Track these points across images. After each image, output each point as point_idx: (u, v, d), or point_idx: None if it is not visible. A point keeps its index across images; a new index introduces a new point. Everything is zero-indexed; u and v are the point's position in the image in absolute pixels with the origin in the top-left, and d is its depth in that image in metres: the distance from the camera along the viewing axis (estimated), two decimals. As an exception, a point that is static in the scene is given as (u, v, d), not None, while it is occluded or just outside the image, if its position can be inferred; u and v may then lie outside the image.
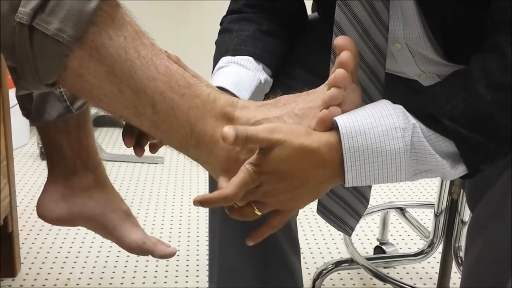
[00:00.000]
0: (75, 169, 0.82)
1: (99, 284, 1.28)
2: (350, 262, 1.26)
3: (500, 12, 0.60)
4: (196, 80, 0.59)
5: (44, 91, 0.71)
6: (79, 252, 1.40)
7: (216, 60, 0.79)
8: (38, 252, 1.39)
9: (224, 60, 0.77)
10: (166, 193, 1.76)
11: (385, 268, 1.36)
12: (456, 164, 0.59)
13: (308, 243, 1.47)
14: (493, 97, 0.57)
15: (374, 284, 1.31)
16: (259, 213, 0.59)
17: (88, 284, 1.27)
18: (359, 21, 0.65)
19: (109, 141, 2.18)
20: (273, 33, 0.80)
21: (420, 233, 1.32)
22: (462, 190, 1.08)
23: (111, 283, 1.28)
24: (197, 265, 1.37)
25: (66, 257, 1.38)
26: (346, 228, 0.78)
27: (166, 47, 0.62)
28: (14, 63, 0.54)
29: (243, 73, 0.74)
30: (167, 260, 1.35)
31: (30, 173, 1.85)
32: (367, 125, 0.57)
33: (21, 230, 1.45)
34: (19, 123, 1.70)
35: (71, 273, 1.31)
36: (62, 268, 1.33)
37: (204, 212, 1.62)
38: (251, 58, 0.76)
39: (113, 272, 1.32)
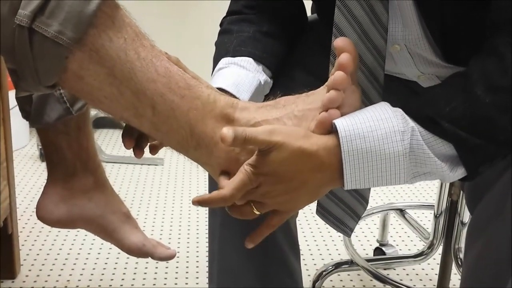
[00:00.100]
0: (74, 171, 0.82)
1: (99, 285, 1.28)
2: (350, 263, 1.26)
3: (499, 12, 0.60)
4: (196, 81, 0.59)
5: (44, 93, 0.71)
6: (78, 253, 1.40)
7: (216, 61, 0.79)
8: (37, 254, 1.39)
9: (224, 61, 0.77)
10: (166, 194, 1.75)
11: (385, 269, 1.36)
12: (455, 167, 0.59)
13: (308, 245, 1.47)
14: (492, 100, 0.57)
15: (374, 286, 1.31)
16: (257, 213, 0.59)
17: (88, 286, 1.27)
18: (358, 22, 0.65)
19: (108, 143, 2.18)
20: (273, 34, 0.80)
21: (420, 235, 1.32)
22: (461, 192, 1.08)
23: (110, 285, 1.28)
24: (197, 266, 1.37)
25: (66, 259, 1.37)
26: (345, 229, 0.78)
27: (165, 48, 0.62)
28: (14, 65, 0.54)
29: (243, 74, 0.74)
30: (167, 262, 1.35)
31: (30, 175, 1.85)
32: (366, 129, 0.57)
33: (21, 231, 1.45)
34: (18, 124, 1.70)
35: (70, 274, 1.31)
36: (61, 270, 1.33)
37: (204, 213, 1.62)
38: (251, 59, 0.76)
39: (113, 274, 1.32)
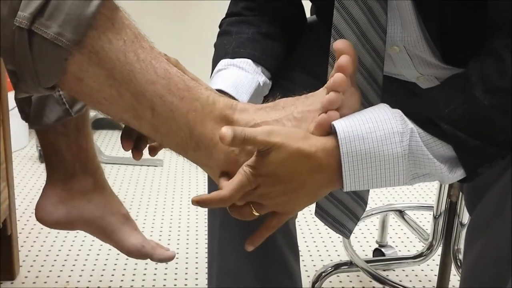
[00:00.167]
0: (74, 172, 0.82)
1: (98, 286, 1.28)
2: (349, 264, 1.26)
3: (497, 12, 0.60)
4: (195, 83, 0.59)
5: (43, 94, 0.71)
6: (78, 254, 1.40)
7: (215, 62, 0.79)
8: (37, 255, 1.39)
9: (223, 62, 0.77)
10: (165, 196, 1.75)
11: (384, 270, 1.36)
12: (454, 168, 0.60)
13: (307, 246, 1.47)
14: (491, 101, 0.57)
15: (373, 287, 1.31)
16: (257, 214, 0.59)
17: (87, 287, 1.27)
18: (356, 24, 0.65)
19: (108, 144, 2.18)
20: (272, 35, 0.80)
21: (419, 236, 1.32)
22: (461, 193, 1.08)
23: (110, 286, 1.28)
24: (196, 267, 1.37)
25: (65, 260, 1.37)
26: (344, 231, 0.78)
27: (165, 49, 0.62)
28: (13, 67, 0.54)
29: (242, 76, 0.74)
30: (166, 263, 1.35)
31: (29, 176, 1.85)
32: (365, 130, 0.57)
33: (20, 233, 1.45)
34: (18, 125, 1.70)
35: (70, 275, 1.31)
36: (61, 271, 1.33)
37: (203, 214, 1.62)
38: (250, 61, 0.76)
39: (112, 275, 1.32)
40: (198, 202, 0.58)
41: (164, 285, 1.29)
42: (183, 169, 1.95)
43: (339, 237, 1.50)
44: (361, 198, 0.78)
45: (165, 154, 2.01)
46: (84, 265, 1.36)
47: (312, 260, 1.41)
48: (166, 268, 1.35)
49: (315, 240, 1.50)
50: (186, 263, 1.39)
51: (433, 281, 1.33)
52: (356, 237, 1.52)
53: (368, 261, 1.27)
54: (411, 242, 1.52)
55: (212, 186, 0.74)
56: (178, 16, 2.22)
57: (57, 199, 0.82)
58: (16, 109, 0.81)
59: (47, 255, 1.39)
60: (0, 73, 1.13)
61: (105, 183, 0.85)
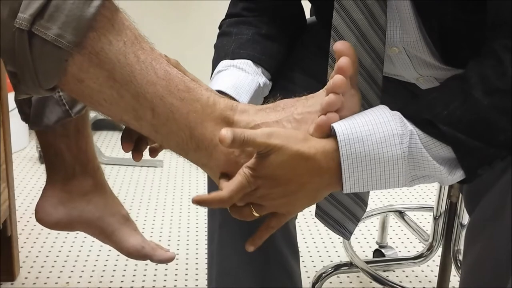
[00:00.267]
0: (74, 174, 0.82)
1: (98, 287, 1.28)
2: (350, 265, 1.26)
3: (496, 13, 0.60)
4: (195, 84, 0.59)
5: (43, 95, 0.71)
6: (78, 255, 1.40)
7: (215, 63, 0.79)
8: (37, 256, 1.39)
9: (223, 63, 0.77)
10: (165, 196, 1.75)
11: (384, 271, 1.36)
12: (453, 170, 0.60)
13: (307, 247, 1.47)
14: (490, 102, 0.57)
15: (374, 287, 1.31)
16: (257, 215, 0.59)
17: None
18: (356, 25, 0.66)
19: (108, 145, 2.18)
20: (272, 36, 0.80)
21: (419, 236, 1.32)
22: (460, 194, 1.08)
23: (110, 287, 1.28)
24: (196, 268, 1.37)
25: (65, 261, 1.37)
26: (345, 232, 0.78)
27: (165, 50, 0.62)
28: (14, 68, 0.54)
29: (242, 77, 0.74)
30: (166, 264, 1.35)
31: (29, 177, 1.85)
32: (365, 132, 0.57)
33: (20, 233, 1.45)
34: (18, 126, 1.70)
35: (70, 276, 1.31)
36: (61, 271, 1.33)
37: (203, 215, 1.62)
38: (250, 62, 0.76)
39: (112, 276, 1.32)
40: (198, 201, 0.58)
41: (164, 286, 1.29)
42: (183, 170, 1.95)
43: (339, 238, 1.50)
44: (361, 199, 0.78)
45: (165, 155, 2.01)
46: (84, 266, 1.36)
47: (312, 261, 1.41)
48: (166, 269, 1.35)
49: (315, 241, 1.50)
50: (186, 264, 1.39)
51: (433, 282, 1.33)
52: (356, 238, 1.52)
53: (368, 262, 1.27)
54: (411, 243, 1.52)
55: (212, 186, 0.74)
56: (178, 17, 2.22)
57: (57, 200, 0.82)
58: (16, 110, 0.81)
59: (47, 256, 1.39)
60: (0, 74, 1.14)
61: (105, 184, 0.85)
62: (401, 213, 1.39)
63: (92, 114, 1.95)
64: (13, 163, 1.26)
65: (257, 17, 0.82)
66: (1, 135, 1.15)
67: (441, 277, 1.13)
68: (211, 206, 0.59)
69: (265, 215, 0.61)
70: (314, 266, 1.39)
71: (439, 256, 1.14)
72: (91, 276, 1.32)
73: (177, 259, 1.39)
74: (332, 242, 1.50)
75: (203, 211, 1.65)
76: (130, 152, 0.66)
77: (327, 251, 1.46)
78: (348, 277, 1.35)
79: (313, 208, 0.74)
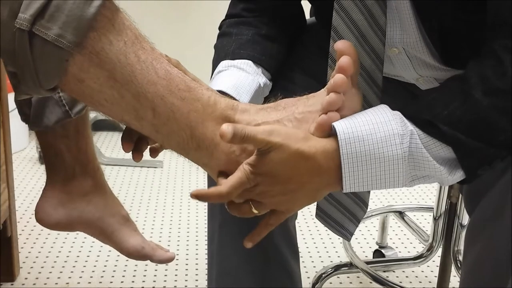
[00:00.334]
0: (73, 174, 0.82)
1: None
2: (350, 266, 1.26)
3: (496, 13, 0.60)
4: (196, 83, 0.59)
5: (43, 96, 0.71)
6: (78, 256, 1.40)
7: (215, 64, 0.79)
8: (37, 256, 1.39)
9: (223, 64, 0.77)
10: (165, 197, 1.75)
11: (384, 272, 1.36)
12: (453, 170, 0.60)
13: (307, 247, 1.47)
14: (490, 103, 0.57)
15: (373, 288, 1.31)
16: (256, 212, 0.59)
17: (87, 289, 1.27)
18: (356, 26, 0.66)
19: (108, 145, 2.18)
20: (272, 36, 0.81)
21: (419, 237, 1.32)
22: (460, 194, 1.08)
23: (110, 287, 1.28)
24: (196, 269, 1.37)
25: (65, 261, 1.37)
26: (345, 233, 0.78)
27: (166, 50, 0.62)
28: (14, 68, 0.54)
29: (242, 77, 0.74)
30: (166, 264, 1.35)
31: (29, 177, 1.85)
32: (366, 131, 0.57)
33: (20, 234, 1.45)
34: (18, 127, 1.70)
35: (70, 277, 1.31)
36: (61, 272, 1.33)
37: (203, 216, 1.62)
38: (250, 62, 0.77)
39: (112, 276, 1.32)
40: (197, 196, 0.58)
41: (164, 287, 1.29)
42: (183, 171, 1.95)
43: (339, 238, 1.50)
44: (361, 200, 0.78)
45: (165, 155, 2.01)
46: (84, 266, 1.35)
47: (312, 261, 1.41)
48: (166, 269, 1.35)
49: (315, 241, 1.50)
50: (186, 264, 1.39)
51: (433, 282, 1.33)
52: (356, 238, 1.52)
53: (368, 262, 1.27)
54: (411, 243, 1.52)
55: (212, 186, 0.74)
56: (178, 17, 2.22)
57: (57, 200, 0.82)
58: (16, 110, 0.81)
59: (47, 257, 1.39)
60: (0, 74, 1.14)
61: (105, 185, 0.85)
62: (401, 214, 1.39)
63: (92, 115, 1.95)
64: (13, 163, 1.26)
65: (257, 18, 0.82)
66: (1, 136, 1.15)
67: (441, 277, 1.13)
68: (209, 200, 0.59)
69: (264, 214, 0.61)
70: (314, 267, 1.39)
71: (439, 256, 1.14)
72: (91, 277, 1.31)
73: (177, 259, 1.39)
74: (332, 243, 1.50)
75: (203, 212, 1.65)
76: (130, 152, 0.66)
77: (327, 252, 1.46)
78: (348, 277, 1.35)
79: (313, 208, 0.74)
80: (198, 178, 1.89)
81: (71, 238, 1.46)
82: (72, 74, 0.53)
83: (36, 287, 1.26)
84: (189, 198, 1.74)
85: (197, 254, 1.43)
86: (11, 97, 0.83)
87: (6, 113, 1.18)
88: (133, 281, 1.30)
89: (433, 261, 1.33)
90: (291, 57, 0.84)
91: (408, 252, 1.47)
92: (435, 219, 1.15)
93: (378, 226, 1.43)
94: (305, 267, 1.38)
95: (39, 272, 1.32)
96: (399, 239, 1.54)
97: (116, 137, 2.26)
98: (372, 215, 1.40)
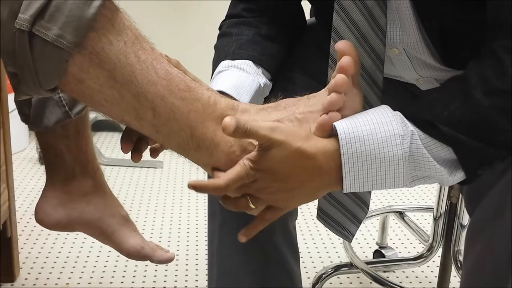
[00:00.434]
0: (73, 175, 0.82)
1: (98, 288, 1.28)
2: (350, 266, 1.26)
3: (496, 14, 0.60)
4: (196, 83, 0.59)
5: (43, 96, 0.71)
6: (78, 256, 1.40)
7: (215, 64, 0.79)
8: (37, 257, 1.39)
9: (224, 64, 0.77)
10: (165, 197, 1.75)
11: (384, 272, 1.36)
12: (454, 171, 0.60)
13: (307, 247, 1.47)
14: (490, 103, 0.57)
15: (374, 288, 1.31)
16: (253, 206, 0.59)
17: (87, 289, 1.27)
18: (356, 26, 0.66)
19: (108, 146, 2.18)
20: (272, 37, 0.81)
21: (419, 237, 1.32)
22: (460, 194, 1.08)
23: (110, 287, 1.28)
24: (196, 269, 1.37)
25: (65, 262, 1.37)
26: (347, 234, 0.78)
27: (166, 50, 0.62)
28: (14, 69, 0.54)
29: (243, 77, 0.74)
30: (166, 264, 1.35)
31: (29, 178, 1.85)
32: (366, 132, 0.57)
33: (20, 234, 1.45)
34: (18, 127, 1.70)
35: (70, 277, 1.31)
36: (61, 272, 1.33)
37: (203, 216, 1.62)
38: (250, 62, 0.77)
39: (112, 276, 1.32)
40: (194, 186, 0.58)
41: (164, 287, 1.29)
42: (183, 171, 1.95)
43: (339, 239, 1.50)
44: (363, 201, 0.78)
45: (165, 155, 2.01)
46: (84, 266, 1.35)
47: (312, 262, 1.41)
48: (166, 270, 1.35)
49: (315, 242, 1.50)
50: (186, 264, 1.39)
51: (434, 283, 1.33)
52: (356, 239, 1.52)
53: (368, 263, 1.27)
54: (411, 243, 1.52)
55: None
56: (178, 17, 2.22)
57: (57, 201, 0.82)
58: (16, 111, 0.81)
59: (47, 257, 1.39)
60: (0, 75, 1.14)
61: (105, 185, 0.85)
62: (401, 214, 1.39)
63: (92, 115, 1.95)
64: (13, 164, 1.26)
65: (257, 18, 0.82)
66: (1, 136, 1.15)
67: (441, 277, 1.13)
68: (206, 192, 0.59)
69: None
70: (314, 267, 1.38)
71: (439, 256, 1.14)
72: (91, 277, 1.31)
73: (177, 259, 1.39)
74: (332, 243, 1.50)
75: (203, 212, 1.65)
76: (129, 153, 0.66)
77: (327, 252, 1.46)
78: (348, 277, 1.35)
79: (313, 208, 0.74)
80: (198, 178, 1.89)
81: (71, 238, 1.46)
82: (72, 75, 0.53)
83: (36, 288, 1.27)
84: (189, 198, 1.75)
85: (197, 254, 1.43)
86: (11, 97, 0.83)
87: (6, 114, 1.18)
88: (133, 282, 1.30)
89: (433, 261, 1.33)
90: (291, 57, 0.84)
91: (408, 252, 1.47)
92: (435, 219, 1.15)
93: (378, 226, 1.43)
94: (305, 267, 1.38)
95: (39, 273, 1.32)
96: (399, 239, 1.54)
97: (116, 137, 2.26)
98: (372, 215, 1.40)
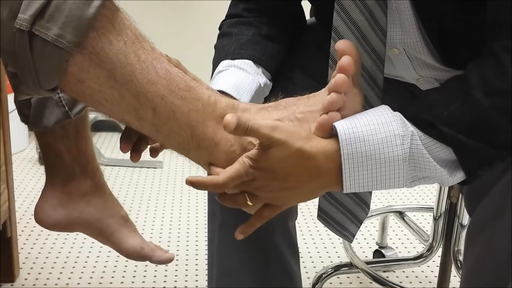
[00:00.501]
0: (73, 175, 0.82)
1: (98, 289, 1.28)
2: (350, 266, 1.26)
3: (496, 14, 0.60)
4: (196, 83, 0.59)
5: (43, 96, 0.71)
6: (77, 256, 1.40)
7: (215, 64, 0.79)
8: (37, 257, 1.39)
9: (224, 64, 0.77)
10: (165, 197, 1.75)
11: (384, 272, 1.36)
12: (454, 171, 0.60)
13: (307, 247, 1.47)
14: (490, 103, 0.57)
15: (374, 288, 1.31)
16: (250, 204, 0.59)
17: (87, 289, 1.27)
18: (356, 26, 0.66)
19: (108, 146, 2.18)
20: (272, 37, 0.81)
21: (419, 237, 1.32)
22: (460, 194, 1.08)
23: (110, 288, 1.28)
24: (196, 269, 1.37)
25: (65, 262, 1.37)
26: (347, 234, 0.78)
27: (165, 49, 0.62)
28: (14, 69, 0.54)
29: (243, 77, 0.74)
30: (166, 265, 1.34)
31: (29, 178, 1.85)
32: (366, 132, 0.57)
33: (20, 234, 1.45)
34: (18, 127, 1.70)
35: (69, 277, 1.31)
36: (60, 273, 1.33)
37: (203, 216, 1.62)
38: (250, 62, 0.77)
39: (112, 277, 1.32)
40: (192, 182, 0.58)
41: (164, 287, 1.29)
42: (183, 171, 1.95)
43: (339, 239, 1.50)
44: (363, 201, 0.78)
45: (164, 156, 2.01)
46: (84, 267, 1.35)
47: (312, 262, 1.41)
48: (166, 270, 1.35)
49: (315, 242, 1.50)
50: (186, 264, 1.38)
51: (434, 283, 1.33)
52: (356, 239, 1.52)
53: (368, 263, 1.27)
54: (411, 243, 1.52)
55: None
56: (178, 17, 2.22)
57: (57, 201, 0.82)
58: (16, 111, 0.81)
59: (47, 257, 1.39)
60: (0, 75, 1.14)
61: (105, 185, 0.85)
62: (401, 214, 1.39)
63: (92, 115, 1.95)
64: (13, 164, 1.26)
65: (257, 18, 0.82)
66: (1, 137, 1.15)
67: (441, 277, 1.13)
68: (204, 189, 0.59)
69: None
70: (314, 267, 1.38)
71: (439, 256, 1.14)
72: (91, 277, 1.31)
73: (177, 259, 1.39)
74: (332, 243, 1.50)
75: (203, 212, 1.65)
76: (129, 152, 0.66)
77: (327, 252, 1.46)
78: (348, 277, 1.35)
79: (313, 208, 0.74)
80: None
81: (71, 238, 1.46)
82: (72, 74, 0.53)
83: (36, 288, 1.27)
84: (189, 198, 1.75)
85: (197, 254, 1.43)
86: (11, 98, 0.83)
87: (6, 114, 1.18)
88: (133, 282, 1.30)
89: (433, 261, 1.33)
90: (291, 57, 0.84)
91: (408, 252, 1.47)
92: (435, 219, 1.15)
93: (378, 226, 1.43)
94: (305, 267, 1.38)
95: (39, 273, 1.32)
96: (399, 239, 1.54)
97: (116, 137, 2.26)
98: (372, 215, 1.40)
